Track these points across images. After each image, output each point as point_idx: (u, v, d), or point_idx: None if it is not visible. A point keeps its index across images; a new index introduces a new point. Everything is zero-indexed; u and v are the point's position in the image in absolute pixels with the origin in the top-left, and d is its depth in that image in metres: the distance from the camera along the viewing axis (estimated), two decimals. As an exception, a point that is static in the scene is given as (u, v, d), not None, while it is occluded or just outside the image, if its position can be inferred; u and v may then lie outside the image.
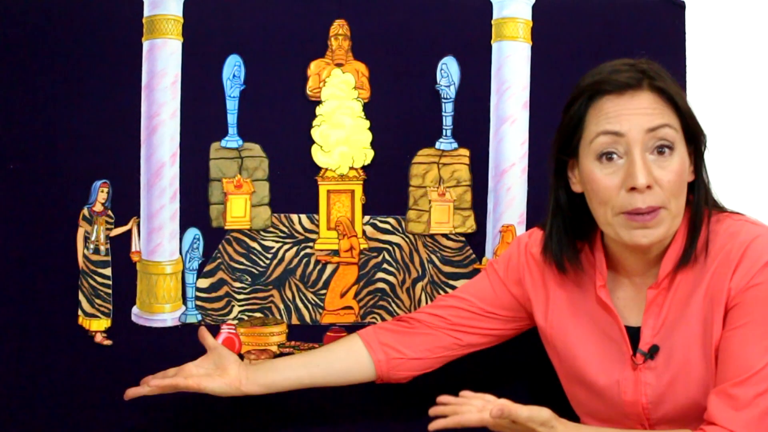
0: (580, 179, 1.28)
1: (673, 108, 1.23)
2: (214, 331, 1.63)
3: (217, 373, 1.40)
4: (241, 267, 1.65)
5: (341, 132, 1.64)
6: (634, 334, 1.29)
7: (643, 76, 1.23)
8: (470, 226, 1.66)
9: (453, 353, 1.46)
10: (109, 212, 1.63)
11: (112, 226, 1.63)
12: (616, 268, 1.33)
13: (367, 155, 1.65)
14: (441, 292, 1.65)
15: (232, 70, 1.63)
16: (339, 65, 1.64)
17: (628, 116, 1.21)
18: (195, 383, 1.37)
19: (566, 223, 1.33)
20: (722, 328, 1.22)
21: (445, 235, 1.66)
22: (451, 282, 1.66)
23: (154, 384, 1.39)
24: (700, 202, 1.26)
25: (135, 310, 1.64)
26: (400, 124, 1.65)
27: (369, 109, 1.65)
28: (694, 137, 1.25)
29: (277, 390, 1.43)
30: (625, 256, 1.30)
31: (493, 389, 1.63)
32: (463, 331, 1.45)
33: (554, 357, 1.41)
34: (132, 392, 1.41)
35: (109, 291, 1.63)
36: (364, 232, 1.66)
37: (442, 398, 1.24)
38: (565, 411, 1.52)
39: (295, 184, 1.65)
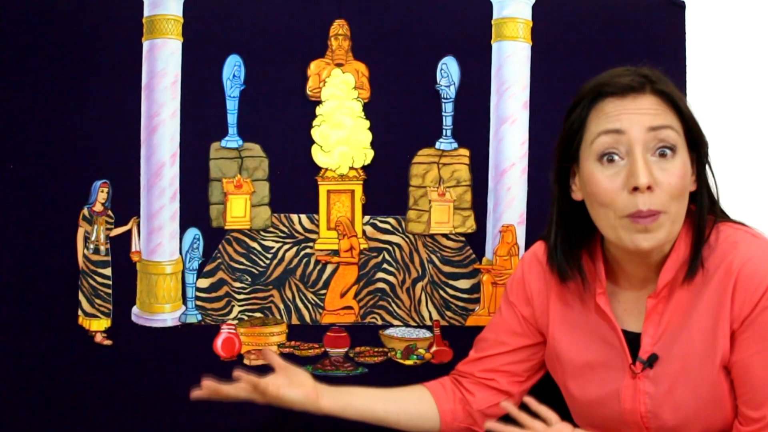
0: (581, 185, 1.27)
1: (675, 112, 1.22)
2: (214, 331, 1.64)
3: (294, 384, 1.35)
4: (241, 267, 1.65)
5: (341, 132, 1.64)
6: (633, 339, 1.28)
7: (646, 80, 1.22)
8: (470, 226, 1.66)
9: (500, 399, 1.42)
10: (109, 212, 1.63)
11: (112, 226, 1.63)
12: (616, 276, 1.32)
13: (367, 155, 1.65)
14: (441, 292, 1.66)
15: (232, 70, 1.63)
16: (339, 65, 1.64)
17: (629, 115, 1.20)
18: (274, 390, 1.31)
19: (569, 231, 1.32)
20: (734, 350, 1.21)
21: (445, 235, 1.66)
22: (451, 282, 1.66)
23: (233, 392, 1.31)
24: (703, 212, 1.25)
25: (135, 310, 1.64)
26: (400, 124, 1.65)
27: (369, 109, 1.65)
28: (696, 144, 1.24)
29: (351, 415, 1.39)
30: (625, 262, 1.29)
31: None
32: (492, 378, 1.43)
33: (556, 368, 1.39)
34: (202, 394, 1.31)
35: (109, 291, 1.63)
36: (364, 232, 1.66)
37: (491, 425, 1.24)
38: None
39: (295, 184, 1.65)
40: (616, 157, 1.20)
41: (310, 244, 1.66)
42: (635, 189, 1.18)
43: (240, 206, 1.64)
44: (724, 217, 1.29)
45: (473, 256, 1.66)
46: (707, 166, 1.26)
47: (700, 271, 1.23)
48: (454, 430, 1.44)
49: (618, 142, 1.20)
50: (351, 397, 1.40)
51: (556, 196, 1.32)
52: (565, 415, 1.35)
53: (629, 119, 1.19)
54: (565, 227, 1.32)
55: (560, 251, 1.32)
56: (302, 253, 1.66)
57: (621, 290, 1.32)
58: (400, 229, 1.66)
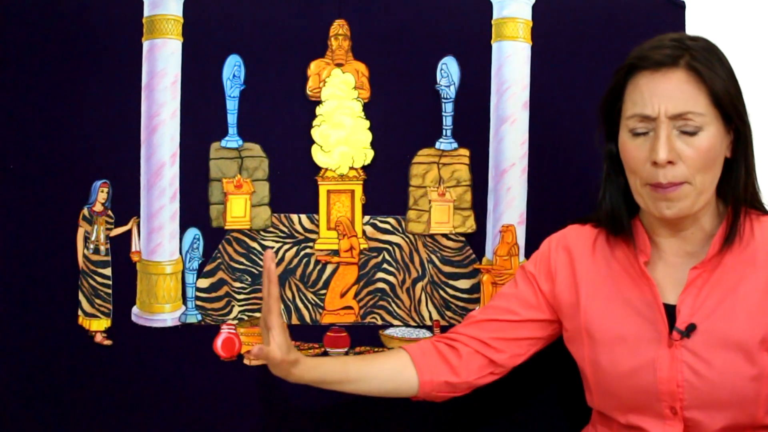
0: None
1: (706, 90, 1.25)
2: (214, 331, 1.64)
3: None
4: (241, 267, 1.65)
5: (341, 132, 1.64)
6: (668, 312, 1.31)
7: (684, 53, 1.26)
8: (470, 226, 1.66)
9: (492, 370, 1.45)
10: (109, 212, 1.63)
11: (112, 226, 1.63)
12: (653, 248, 1.36)
13: (367, 155, 1.65)
14: (441, 292, 1.66)
15: (232, 70, 1.63)
16: (339, 65, 1.64)
17: (658, 97, 1.26)
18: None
19: (620, 185, 1.37)
20: None
21: (445, 235, 1.66)
22: (451, 282, 1.66)
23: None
24: (738, 180, 1.30)
25: (135, 310, 1.64)
26: (400, 124, 1.65)
27: (369, 109, 1.65)
28: (732, 116, 1.28)
29: (326, 378, 1.40)
30: (659, 232, 1.35)
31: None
32: (495, 347, 1.44)
33: (584, 343, 1.39)
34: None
35: (109, 291, 1.63)
36: (364, 232, 1.66)
37: None
38: (576, 412, 1.53)
39: (295, 184, 1.65)
40: (644, 130, 1.28)
41: (310, 244, 1.66)
42: (655, 163, 1.25)
43: (240, 206, 1.64)
44: (760, 205, 1.35)
45: (473, 256, 1.66)
46: (748, 141, 1.31)
47: (749, 249, 1.29)
48: (431, 398, 1.45)
49: (647, 121, 1.27)
50: (323, 361, 1.42)
51: (606, 154, 1.38)
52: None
53: (658, 102, 1.25)
54: (617, 182, 1.37)
55: (614, 203, 1.37)
56: (302, 253, 1.66)
57: (657, 260, 1.36)
58: (400, 229, 1.66)
